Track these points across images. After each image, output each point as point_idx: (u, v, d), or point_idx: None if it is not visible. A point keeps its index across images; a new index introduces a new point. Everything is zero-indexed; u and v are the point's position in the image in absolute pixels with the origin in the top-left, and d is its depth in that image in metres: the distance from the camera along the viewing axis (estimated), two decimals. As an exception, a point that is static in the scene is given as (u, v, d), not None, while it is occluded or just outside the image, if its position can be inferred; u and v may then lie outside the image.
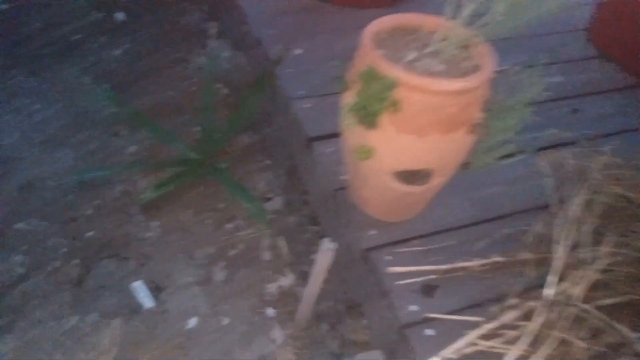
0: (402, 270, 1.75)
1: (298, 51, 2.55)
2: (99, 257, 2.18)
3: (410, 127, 1.50)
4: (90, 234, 2.24)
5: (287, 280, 2.11)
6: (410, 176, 1.65)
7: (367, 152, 1.58)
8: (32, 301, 2.00)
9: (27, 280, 2.05)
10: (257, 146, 2.56)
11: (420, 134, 1.51)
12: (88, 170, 2.41)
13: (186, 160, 2.42)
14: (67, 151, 2.54)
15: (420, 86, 1.44)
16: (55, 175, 2.42)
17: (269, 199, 2.35)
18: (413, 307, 1.69)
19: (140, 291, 2.05)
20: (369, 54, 1.51)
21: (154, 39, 3.07)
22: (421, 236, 1.88)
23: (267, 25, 2.69)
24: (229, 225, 2.29)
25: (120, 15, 3.21)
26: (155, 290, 2.11)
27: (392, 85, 1.45)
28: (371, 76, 1.47)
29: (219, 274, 2.13)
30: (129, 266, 2.17)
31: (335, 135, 1.78)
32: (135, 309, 2.04)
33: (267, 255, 2.19)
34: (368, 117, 1.51)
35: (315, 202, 2.27)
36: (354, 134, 1.61)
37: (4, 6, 3.23)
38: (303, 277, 2.10)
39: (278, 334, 1.98)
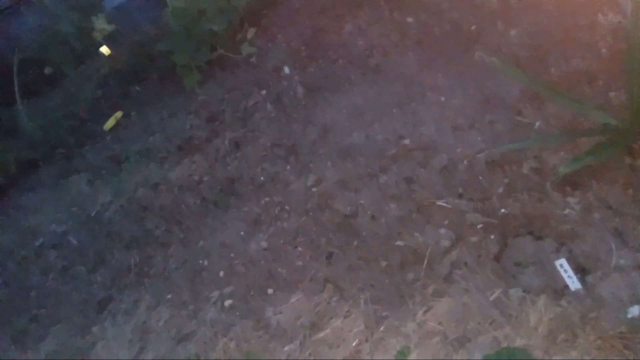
0: None
1: None
2: (514, 233, 1.99)
3: None
4: (504, 211, 2.08)
5: None
6: None
7: None
8: (457, 270, 1.96)
9: (452, 251, 2.03)
10: None
11: None
12: (500, 145, 2.25)
13: (607, 129, 1.99)
14: (476, 134, 2.45)
15: None
16: (467, 156, 2.36)
17: None
18: None
19: (565, 270, 1.76)
20: None
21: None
22: None
23: None
24: (672, 203, 1.76)
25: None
26: (580, 272, 1.78)
27: None
28: None
29: (665, 259, 1.65)
30: (547, 245, 1.90)
31: None
32: (558, 289, 1.76)
33: None
34: None
35: None
36: None
37: None
38: None
39: None
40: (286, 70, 3.63)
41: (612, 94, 2.15)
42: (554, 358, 1.52)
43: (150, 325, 2.30)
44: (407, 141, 2.61)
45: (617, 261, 1.71)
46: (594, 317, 1.61)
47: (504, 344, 1.64)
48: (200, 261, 2.56)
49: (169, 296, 2.43)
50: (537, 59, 2.54)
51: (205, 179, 3.19)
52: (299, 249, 2.37)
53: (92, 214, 3.21)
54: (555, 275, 1.77)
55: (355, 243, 2.27)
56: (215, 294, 2.32)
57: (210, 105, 3.83)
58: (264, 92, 3.63)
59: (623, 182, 1.90)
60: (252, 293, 2.25)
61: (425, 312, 1.85)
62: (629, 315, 1.57)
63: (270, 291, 2.23)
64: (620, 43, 2.27)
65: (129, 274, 2.68)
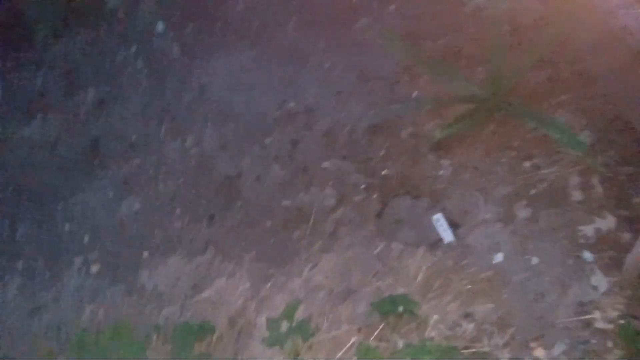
0: None
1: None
2: (394, 193, 2.08)
3: None
4: (385, 172, 2.16)
5: (605, 223, 1.72)
6: None
7: None
8: (342, 228, 1.99)
9: (337, 210, 2.05)
10: (550, 82, 2.17)
11: None
12: (381, 111, 2.33)
13: (475, 98, 2.17)
14: (357, 100, 2.50)
15: None
16: (350, 121, 2.40)
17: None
18: None
19: (440, 224, 1.89)
20: None
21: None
22: None
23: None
24: (527, 164, 1.98)
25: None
26: (452, 226, 1.92)
27: None
28: None
29: (522, 212, 1.84)
30: (423, 203, 2.03)
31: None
32: (434, 242, 1.89)
33: (577, 195, 1.82)
34: None
35: None
36: None
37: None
38: (625, 221, 1.68)
39: (600, 281, 1.61)
40: (160, 27, 3.35)
41: (478, 68, 2.34)
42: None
43: (-4, 296, 1.97)
44: (291, 104, 2.58)
45: (483, 215, 1.87)
46: (465, 264, 1.75)
47: (387, 294, 1.70)
48: (60, 225, 2.25)
49: (20, 264, 2.10)
50: (413, 34, 2.66)
51: (63, 138, 2.82)
52: (177, 211, 2.22)
53: None
54: (430, 229, 1.89)
55: (238, 204, 2.18)
56: (79, 259, 2.07)
57: (68, 60, 3.39)
58: (133, 48, 3.31)
59: (486, 146, 2.08)
60: (123, 257, 2.04)
61: (312, 268, 1.85)
62: (494, 261, 1.73)
63: (145, 254, 2.05)
64: (485, 21, 2.48)
65: (-34, 242, 2.27)
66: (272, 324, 1.60)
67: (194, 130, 2.62)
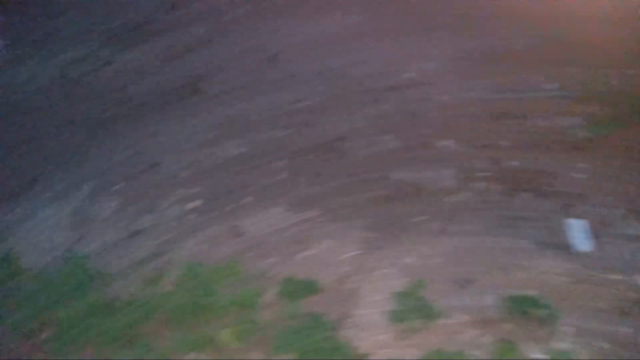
0: None
1: None
2: (520, 187, 1.90)
3: None
4: (512, 163, 1.98)
5: None
6: None
7: None
8: (461, 213, 1.83)
9: (457, 193, 1.89)
10: None
11: None
12: (509, 96, 2.14)
13: (623, 99, 1.96)
14: (482, 81, 2.32)
15: None
16: (473, 103, 2.23)
17: None
18: None
19: (578, 230, 1.70)
20: None
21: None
22: None
23: None
24: (682, 183, 1.77)
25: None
26: (587, 234, 1.73)
27: None
28: None
29: (676, 235, 1.64)
30: (553, 204, 1.84)
31: None
32: (564, 247, 1.71)
33: None
34: None
35: None
36: None
37: None
38: None
39: None
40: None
41: (630, 71, 2.11)
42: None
43: (93, 212, 1.91)
44: (408, 74, 2.41)
45: (625, 229, 1.69)
46: (606, 279, 1.57)
47: (514, 291, 1.55)
48: (159, 156, 2.18)
49: (118, 186, 2.04)
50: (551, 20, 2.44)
51: (166, 69, 2.74)
52: (282, 162, 2.10)
53: (19, 85, 2.62)
54: (560, 233, 1.71)
55: (347, 167, 2.06)
56: (180, 192, 1.99)
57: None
58: (242, -9, 3.19)
59: (631, 154, 1.88)
60: (224, 198, 1.95)
61: (428, 248, 1.70)
62: (638, 284, 1.55)
63: (246, 199, 1.94)
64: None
65: (66, 154, 2.21)
66: (400, 298, 1.46)
67: (302, 83, 2.49)
